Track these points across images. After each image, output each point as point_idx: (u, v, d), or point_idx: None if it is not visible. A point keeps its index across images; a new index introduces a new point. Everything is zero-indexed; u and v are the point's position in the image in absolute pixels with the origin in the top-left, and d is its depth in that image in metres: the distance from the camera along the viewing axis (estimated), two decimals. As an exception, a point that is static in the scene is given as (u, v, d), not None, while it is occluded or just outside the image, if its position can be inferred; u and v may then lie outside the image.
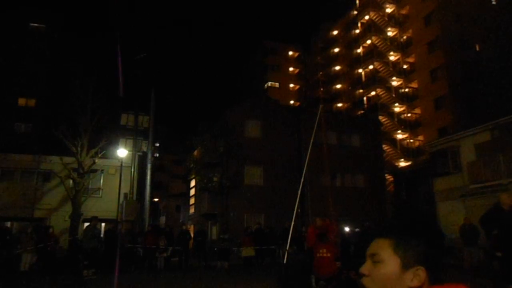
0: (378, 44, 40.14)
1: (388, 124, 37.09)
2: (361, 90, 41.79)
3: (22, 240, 13.81)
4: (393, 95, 38.60)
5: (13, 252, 13.85)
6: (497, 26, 33.25)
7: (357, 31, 43.53)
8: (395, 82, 39.29)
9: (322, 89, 49.70)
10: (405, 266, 0.97)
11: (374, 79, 39.36)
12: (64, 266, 14.46)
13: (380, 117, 34.97)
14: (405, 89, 38.57)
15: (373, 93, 39.52)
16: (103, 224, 21.47)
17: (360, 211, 24.18)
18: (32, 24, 34.22)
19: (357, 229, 15.61)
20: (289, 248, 7.50)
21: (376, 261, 0.99)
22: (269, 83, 52.09)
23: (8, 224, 22.36)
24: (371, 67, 40.32)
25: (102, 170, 23.95)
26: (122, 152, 20.33)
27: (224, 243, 15.29)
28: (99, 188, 24.16)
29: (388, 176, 32.26)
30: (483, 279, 9.79)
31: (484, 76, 30.88)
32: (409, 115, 37.63)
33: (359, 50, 42.74)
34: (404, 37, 39.30)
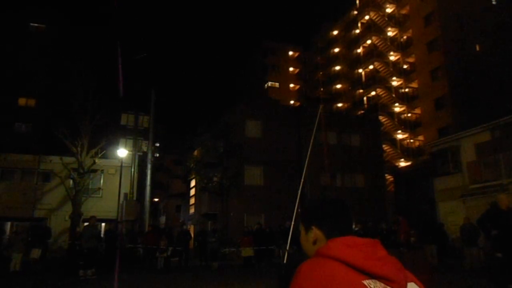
0: (378, 44, 40.15)
1: (388, 124, 37.09)
2: (361, 90, 41.79)
3: (12, 240, 13.84)
4: (393, 95, 38.60)
5: (9, 252, 13.90)
6: (497, 26, 33.24)
7: (357, 31, 43.54)
8: (395, 82, 39.30)
9: (322, 89, 49.70)
10: (306, 229, 1.39)
11: (374, 79, 39.37)
12: (63, 266, 14.46)
13: (380, 117, 34.98)
14: (405, 89, 38.58)
15: (373, 93, 39.52)
16: (103, 224, 21.50)
17: (360, 211, 24.18)
18: (32, 24, 34.22)
19: (356, 228, 15.61)
20: (289, 248, 7.50)
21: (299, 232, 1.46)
22: (269, 83, 52.08)
23: (8, 224, 22.40)
24: (371, 67, 40.33)
25: (102, 170, 23.95)
26: (122, 152, 20.32)
27: (213, 244, 15.06)
28: (99, 188, 24.17)
29: (388, 176, 32.26)
30: (483, 279, 9.79)
31: (484, 76, 30.87)
32: (409, 115, 37.63)
33: (359, 50, 42.75)
34: (404, 37, 39.31)
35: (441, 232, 15.63)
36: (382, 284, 1.10)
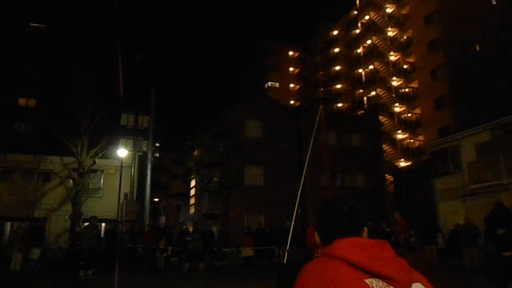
0: (378, 44, 40.14)
1: (388, 124, 37.09)
2: (361, 90, 41.79)
3: (12, 240, 13.87)
4: (393, 95, 38.61)
5: (10, 252, 13.92)
6: (497, 26, 33.23)
7: (357, 31, 43.54)
8: (395, 82, 39.30)
9: (322, 89, 49.71)
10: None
11: (374, 79, 39.37)
12: (63, 266, 14.46)
13: (380, 117, 34.97)
14: (405, 89, 38.58)
15: (373, 93, 39.52)
16: (103, 224, 21.50)
17: (360, 211, 24.17)
18: (32, 24, 34.22)
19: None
20: (289, 248, 7.49)
21: None
22: (269, 83, 52.08)
23: (8, 224, 22.41)
24: (371, 67, 40.33)
25: (102, 170, 23.95)
26: (122, 152, 20.30)
27: (190, 244, 14.63)
28: (99, 188, 24.16)
29: (388, 176, 32.25)
30: (483, 279, 9.79)
31: (484, 76, 30.85)
32: (409, 115, 37.63)
33: (359, 50, 42.75)
34: (404, 37, 39.30)
35: (456, 232, 15.55)
36: (385, 283, 1.12)
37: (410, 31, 38.11)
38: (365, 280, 1.10)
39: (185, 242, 14.77)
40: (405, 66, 38.91)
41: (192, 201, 32.40)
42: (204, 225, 24.20)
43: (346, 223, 1.37)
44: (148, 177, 20.13)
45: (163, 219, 42.75)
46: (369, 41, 40.92)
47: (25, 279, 11.51)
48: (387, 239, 11.73)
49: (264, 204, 24.80)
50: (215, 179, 23.94)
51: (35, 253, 13.96)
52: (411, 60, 38.05)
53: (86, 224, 14.33)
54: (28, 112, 31.58)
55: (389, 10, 41.22)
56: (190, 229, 15.82)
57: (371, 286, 1.09)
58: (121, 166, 20.27)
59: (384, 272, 1.12)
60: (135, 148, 20.69)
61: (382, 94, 38.67)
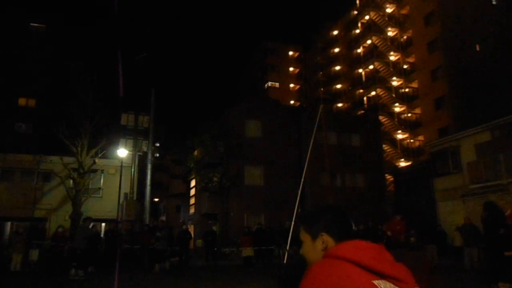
0: (378, 44, 40.15)
1: (388, 124, 37.09)
2: (361, 90, 41.79)
3: (12, 240, 13.87)
4: (393, 95, 38.61)
5: (10, 252, 13.93)
6: (497, 26, 33.24)
7: (357, 31, 43.55)
8: (395, 82, 39.30)
9: (322, 89, 49.70)
10: (314, 237, 1.37)
11: (374, 79, 39.37)
12: (59, 266, 14.46)
13: (380, 117, 34.98)
14: (405, 89, 38.58)
15: (373, 93, 39.53)
16: (103, 224, 21.50)
17: (360, 211, 24.20)
18: (32, 24, 34.20)
19: (358, 228, 15.58)
20: (289, 248, 7.49)
21: (302, 242, 1.44)
22: (269, 83, 52.07)
23: (8, 224, 22.41)
24: (371, 67, 40.33)
25: (102, 170, 23.94)
26: (122, 152, 20.29)
27: (155, 243, 14.33)
28: (99, 188, 24.16)
29: (388, 176, 32.25)
30: (483, 279, 9.79)
31: (484, 76, 30.86)
32: (409, 115, 37.63)
33: (359, 50, 42.75)
34: (404, 37, 39.31)
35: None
36: (392, 284, 1.13)
37: (410, 31, 38.12)
38: (373, 281, 1.11)
39: (156, 239, 14.44)
40: (405, 66, 38.92)
41: (192, 201, 32.42)
42: (206, 225, 24.17)
43: (349, 226, 1.40)
44: (148, 177, 20.11)
45: (163, 219, 42.75)
46: (369, 41, 40.92)
47: (25, 279, 11.51)
48: (387, 240, 11.73)
49: (264, 204, 24.80)
50: (215, 179, 23.95)
51: (34, 254, 13.97)
52: (411, 60, 38.06)
53: (80, 224, 14.35)
54: (28, 112, 31.56)
55: (389, 10, 41.22)
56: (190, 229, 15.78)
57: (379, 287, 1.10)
58: (121, 166, 20.28)
59: (391, 273, 1.13)
60: (135, 148, 20.67)
61: (382, 94, 38.67)
